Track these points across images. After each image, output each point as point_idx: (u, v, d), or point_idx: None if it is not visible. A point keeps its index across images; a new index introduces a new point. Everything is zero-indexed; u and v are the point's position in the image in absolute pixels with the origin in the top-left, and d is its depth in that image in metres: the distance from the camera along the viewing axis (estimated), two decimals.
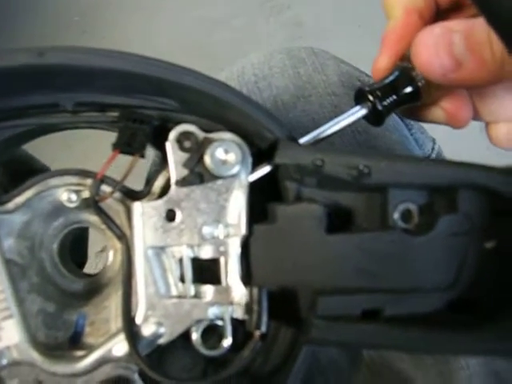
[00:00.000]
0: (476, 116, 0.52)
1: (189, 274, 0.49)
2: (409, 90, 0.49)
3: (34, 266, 0.52)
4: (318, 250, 0.46)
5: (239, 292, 0.48)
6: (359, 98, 0.51)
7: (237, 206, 0.48)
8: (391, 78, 0.50)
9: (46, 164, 0.63)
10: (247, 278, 0.48)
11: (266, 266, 0.47)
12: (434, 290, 0.45)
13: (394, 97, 0.50)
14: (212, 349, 0.49)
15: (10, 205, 0.51)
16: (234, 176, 0.48)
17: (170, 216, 0.48)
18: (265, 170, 0.49)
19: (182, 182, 0.48)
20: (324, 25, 1.62)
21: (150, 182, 0.52)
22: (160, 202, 0.48)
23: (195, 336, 0.49)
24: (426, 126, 0.75)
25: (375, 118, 0.51)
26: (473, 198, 0.45)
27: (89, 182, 0.51)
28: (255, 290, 0.46)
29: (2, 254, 0.49)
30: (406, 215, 0.47)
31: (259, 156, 0.49)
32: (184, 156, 0.48)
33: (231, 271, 0.48)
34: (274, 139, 0.48)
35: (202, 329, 0.49)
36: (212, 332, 0.50)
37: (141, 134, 0.49)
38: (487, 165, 0.44)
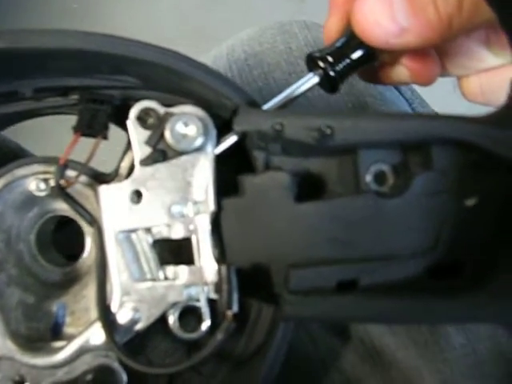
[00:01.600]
0: (444, 71, 0.48)
1: (159, 255, 0.47)
2: (360, 53, 0.46)
3: (11, 258, 0.51)
4: (288, 221, 0.43)
5: (213, 271, 0.46)
6: (311, 64, 0.48)
7: (203, 181, 0.46)
8: (342, 40, 0.47)
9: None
10: (221, 256, 0.46)
11: (237, 242, 0.45)
12: (412, 255, 0.42)
13: (347, 60, 0.46)
14: (190, 332, 0.47)
15: None
16: (197, 150, 0.46)
17: (137, 197, 0.46)
18: (230, 140, 0.46)
19: (145, 161, 0.46)
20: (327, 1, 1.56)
21: (117, 164, 0.50)
22: (125, 183, 0.46)
23: (172, 319, 0.47)
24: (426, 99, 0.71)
25: (329, 84, 0.47)
26: (448, 153, 0.41)
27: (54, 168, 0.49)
28: (223, 268, 0.43)
29: None
30: (380, 177, 0.43)
31: (227, 127, 0.47)
32: (146, 134, 0.46)
33: (203, 250, 0.46)
34: (234, 107, 0.45)
35: (179, 312, 0.48)
36: (190, 315, 0.48)
37: (102, 114, 0.47)
38: (462, 115, 0.41)
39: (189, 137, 0.45)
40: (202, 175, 0.46)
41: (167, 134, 0.45)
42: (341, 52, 0.47)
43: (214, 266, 0.46)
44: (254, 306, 0.48)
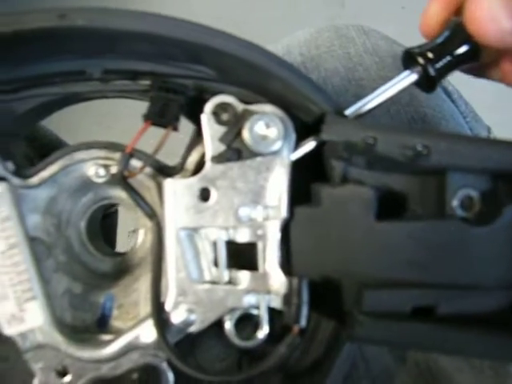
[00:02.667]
0: None
1: (223, 258, 0.45)
2: (465, 49, 0.43)
3: (60, 244, 0.49)
4: (366, 238, 0.41)
5: (278, 280, 0.44)
6: (408, 61, 0.45)
7: (277, 186, 0.44)
8: (444, 35, 0.44)
9: None
10: (287, 265, 0.44)
11: (307, 254, 0.43)
12: (496, 287, 0.40)
13: (449, 58, 0.44)
14: (246, 339, 0.46)
15: (35, 179, 0.47)
16: (275, 153, 0.44)
17: (205, 195, 0.44)
18: (309, 146, 0.44)
19: (217, 159, 0.44)
20: (366, 5, 1.53)
21: (183, 157, 0.48)
22: (194, 179, 0.44)
23: (228, 325, 0.45)
24: (480, 113, 0.69)
25: (427, 83, 0.45)
26: None
27: (117, 155, 0.47)
28: (295, 281, 0.41)
29: (25, 231, 0.46)
30: (466, 203, 0.42)
31: (302, 131, 0.45)
32: (221, 130, 0.44)
33: (269, 257, 0.44)
34: (320, 113, 0.43)
35: (236, 318, 0.46)
36: (246, 321, 0.46)
37: (174, 104, 0.45)
38: None
39: (269, 139, 0.43)
40: (277, 180, 0.44)
41: (245, 134, 0.43)
42: (443, 48, 0.44)
43: (279, 274, 0.44)
44: (312, 319, 0.47)
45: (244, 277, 0.45)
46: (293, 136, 0.44)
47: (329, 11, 1.59)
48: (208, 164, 0.44)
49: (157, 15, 0.42)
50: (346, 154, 0.42)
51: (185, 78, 0.46)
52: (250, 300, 0.45)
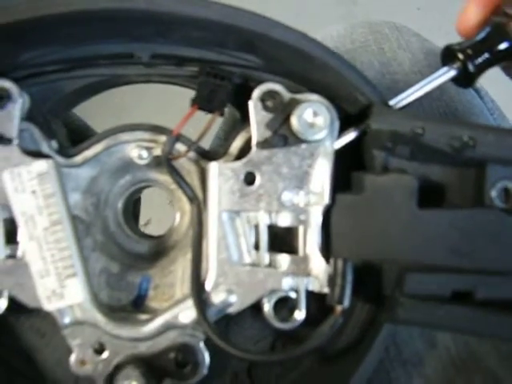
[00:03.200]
0: None
1: (265, 241, 0.46)
2: (504, 46, 0.45)
3: (98, 223, 0.50)
4: (408, 225, 0.43)
5: (317, 263, 0.46)
6: (447, 57, 0.47)
7: (321, 173, 0.45)
8: (483, 33, 0.46)
9: None
10: (326, 250, 0.46)
11: (348, 238, 0.45)
12: None
13: (487, 55, 0.46)
14: (284, 321, 0.47)
15: (78, 158, 0.48)
16: (319, 141, 0.45)
17: (249, 179, 0.46)
18: (351, 136, 0.46)
19: (263, 144, 0.45)
20: (380, 5, 1.54)
21: (226, 142, 0.49)
22: (239, 163, 0.46)
23: (267, 307, 0.47)
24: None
25: (465, 79, 0.47)
26: None
27: (162, 138, 0.48)
28: (340, 263, 0.43)
29: (68, 209, 0.46)
30: (505, 194, 0.44)
31: (342, 122, 0.46)
32: (267, 116, 0.45)
33: (310, 241, 0.46)
34: (366, 103, 0.45)
35: (275, 300, 0.47)
36: (282, 304, 0.47)
37: (221, 90, 0.47)
38: None
39: (316, 126, 0.45)
40: (320, 166, 0.45)
41: (294, 121, 0.45)
42: (482, 46, 0.46)
43: (319, 258, 0.45)
44: None
45: (284, 260, 0.46)
46: (337, 125, 0.45)
47: (340, 10, 1.60)
48: (254, 149, 0.46)
49: (218, 3, 0.43)
50: (390, 144, 0.44)
51: (232, 65, 0.47)
52: (288, 283, 0.46)
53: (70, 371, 0.47)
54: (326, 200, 0.45)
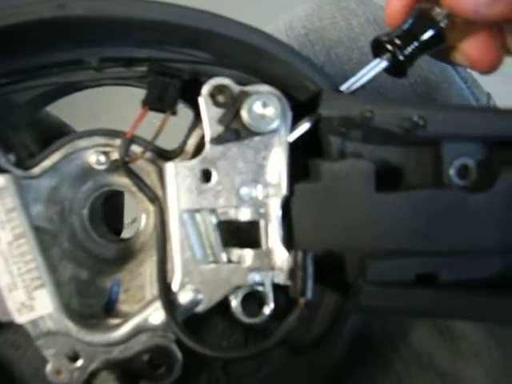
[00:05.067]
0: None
1: (217, 238, 0.46)
2: (430, 33, 0.45)
3: (64, 231, 0.50)
4: (367, 210, 0.43)
5: (281, 256, 0.45)
6: (377, 49, 0.46)
7: (276, 164, 0.45)
8: (409, 22, 0.45)
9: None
10: (289, 242, 0.45)
11: (309, 228, 0.44)
12: (496, 252, 0.41)
13: (416, 43, 0.45)
14: (252, 316, 0.47)
15: (37, 169, 0.48)
16: (272, 132, 0.44)
17: (206, 176, 0.45)
18: (305, 126, 0.45)
19: (217, 140, 0.45)
20: None
21: (183, 140, 0.48)
22: (194, 161, 0.45)
23: (235, 303, 0.46)
24: (479, 79, 0.70)
25: (397, 69, 0.46)
26: None
27: (118, 142, 0.47)
28: (300, 255, 0.42)
29: (30, 221, 0.46)
30: (463, 171, 0.43)
31: (296, 111, 0.46)
32: (218, 112, 0.45)
33: (272, 234, 0.45)
34: (316, 90, 0.44)
35: (242, 296, 0.46)
36: (251, 298, 0.47)
37: (171, 88, 0.46)
38: None
39: (267, 118, 0.44)
40: (276, 158, 0.45)
41: (244, 114, 0.44)
42: (409, 34, 0.45)
43: (282, 250, 0.45)
44: (314, 293, 0.47)
45: (247, 255, 0.46)
46: (289, 114, 0.45)
47: None
48: (207, 146, 0.45)
49: (155, 1, 0.43)
50: (343, 129, 0.43)
51: (180, 62, 0.47)
52: (254, 277, 0.46)
53: (46, 382, 0.47)
54: (284, 191, 0.45)
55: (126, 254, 0.51)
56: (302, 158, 0.46)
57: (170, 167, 0.45)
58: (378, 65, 0.46)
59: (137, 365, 0.47)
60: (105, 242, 0.51)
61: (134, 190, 0.50)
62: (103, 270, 0.50)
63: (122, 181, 0.50)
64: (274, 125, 0.44)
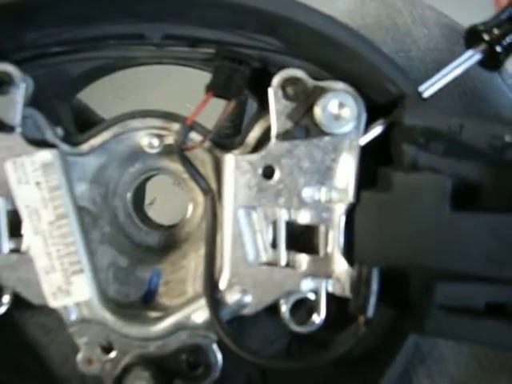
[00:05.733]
0: None
1: (283, 239, 0.43)
2: None
3: (106, 214, 0.47)
4: (440, 228, 0.40)
5: (339, 265, 0.43)
6: (471, 39, 0.44)
7: (345, 168, 0.42)
8: (510, 10, 0.43)
9: None
10: (349, 251, 0.42)
11: (373, 240, 0.42)
12: None
13: None
14: (301, 324, 0.44)
15: (85, 146, 0.45)
16: (344, 134, 0.42)
17: (268, 173, 0.42)
18: (378, 129, 0.42)
19: (283, 136, 0.42)
20: None
21: (244, 131, 0.46)
22: (257, 155, 0.42)
23: (284, 309, 0.44)
24: None
25: (492, 62, 0.43)
26: None
27: (174, 126, 0.45)
28: (365, 270, 0.40)
29: (74, 201, 0.44)
30: None
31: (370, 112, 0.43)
32: (288, 105, 0.42)
33: (332, 241, 0.43)
34: (398, 94, 0.41)
35: (293, 302, 0.44)
36: (300, 305, 0.45)
37: (239, 76, 0.43)
38: None
39: (341, 119, 0.41)
40: (345, 161, 0.42)
41: (317, 111, 0.41)
42: (509, 23, 0.42)
43: (341, 260, 0.42)
44: None
45: (303, 260, 0.43)
46: (364, 117, 0.42)
47: None
48: (273, 141, 0.42)
49: None
50: (423, 140, 0.40)
51: (250, 48, 0.44)
52: (308, 284, 0.43)
53: (76, 369, 0.45)
54: (351, 198, 0.42)
55: (169, 244, 0.48)
56: (371, 164, 0.43)
57: (229, 159, 0.43)
58: (472, 57, 0.43)
59: (173, 363, 0.44)
60: (147, 228, 0.49)
61: (184, 177, 0.47)
62: (144, 258, 0.48)
63: (172, 166, 0.47)
64: (348, 127, 0.41)
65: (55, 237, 0.43)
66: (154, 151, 0.45)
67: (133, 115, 0.45)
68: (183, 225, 0.49)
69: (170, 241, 0.49)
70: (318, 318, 0.44)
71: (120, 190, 0.48)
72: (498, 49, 0.42)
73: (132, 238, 0.48)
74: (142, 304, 0.47)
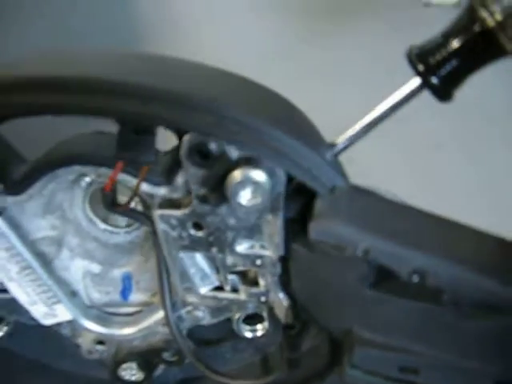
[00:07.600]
0: None
1: (228, 276, 0.46)
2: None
3: (69, 228, 0.50)
4: (361, 303, 0.41)
5: (278, 297, 0.46)
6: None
7: (271, 225, 0.41)
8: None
9: None
10: (287, 289, 0.45)
11: (305, 289, 0.44)
12: (480, 370, 0.41)
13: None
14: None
15: (24, 196, 0.46)
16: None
17: (197, 227, 0.43)
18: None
19: (202, 199, 0.41)
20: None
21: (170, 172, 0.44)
22: (184, 212, 0.42)
23: (235, 323, 0.50)
24: None
25: (437, 93, 0.37)
26: None
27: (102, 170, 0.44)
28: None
29: (33, 248, 0.47)
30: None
31: None
32: (199, 172, 0.40)
33: (269, 281, 0.45)
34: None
35: (243, 318, 0.50)
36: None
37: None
38: None
39: (253, 202, 0.39)
40: (270, 219, 0.41)
41: (228, 193, 0.39)
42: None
43: (280, 293, 0.45)
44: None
45: (246, 291, 0.46)
46: (282, 180, 0.39)
47: None
48: (195, 202, 0.41)
49: None
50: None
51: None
52: (252, 307, 0.48)
53: None
54: (281, 251, 0.42)
55: (133, 241, 0.51)
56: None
57: (158, 215, 0.43)
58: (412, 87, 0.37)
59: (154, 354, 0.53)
60: (111, 227, 0.51)
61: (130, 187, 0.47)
62: (113, 261, 0.51)
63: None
64: (261, 204, 0.39)
65: (27, 281, 0.48)
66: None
67: (59, 163, 0.44)
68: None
69: (132, 237, 0.51)
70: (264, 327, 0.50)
71: (76, 203, 0.49)
72: (434, 80, 0.36)
73: (99, 239, 0.51)
74: (122, 299, 0.53)
